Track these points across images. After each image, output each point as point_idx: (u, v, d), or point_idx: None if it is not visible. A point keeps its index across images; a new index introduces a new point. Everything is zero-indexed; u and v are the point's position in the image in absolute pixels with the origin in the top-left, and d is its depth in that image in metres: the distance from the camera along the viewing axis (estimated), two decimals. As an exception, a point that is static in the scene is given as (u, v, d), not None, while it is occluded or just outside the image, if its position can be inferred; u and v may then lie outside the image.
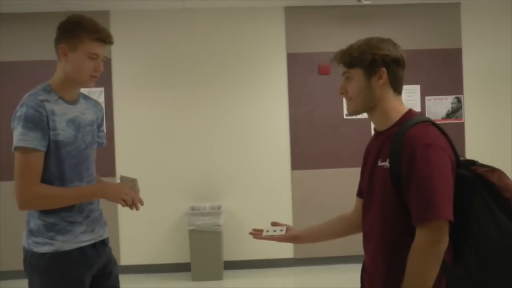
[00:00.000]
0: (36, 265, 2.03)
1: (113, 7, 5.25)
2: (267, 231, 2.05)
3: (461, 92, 5.55)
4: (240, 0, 5.24)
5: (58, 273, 2.03)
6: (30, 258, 2.05)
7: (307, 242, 2.07)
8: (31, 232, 2.05)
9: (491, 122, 5.58)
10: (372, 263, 1.80)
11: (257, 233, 2.02)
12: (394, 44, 1.77)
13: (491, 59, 5.60)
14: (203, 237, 5.01)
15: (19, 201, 1.98)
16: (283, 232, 2.04)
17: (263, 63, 5.49)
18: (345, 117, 5.43)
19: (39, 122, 1.96)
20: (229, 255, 5.36)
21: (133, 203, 2.10)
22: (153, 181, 5.14)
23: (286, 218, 5.28)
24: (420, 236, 1.59)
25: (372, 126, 1.87)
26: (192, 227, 5.01)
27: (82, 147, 2.13)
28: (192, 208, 5.18)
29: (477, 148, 5.46)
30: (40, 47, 5.27)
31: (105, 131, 2.42)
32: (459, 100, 5.53)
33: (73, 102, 2.13)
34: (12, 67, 5.28)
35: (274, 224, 2.08)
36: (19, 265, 6.10)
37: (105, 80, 5.19)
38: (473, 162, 1.70)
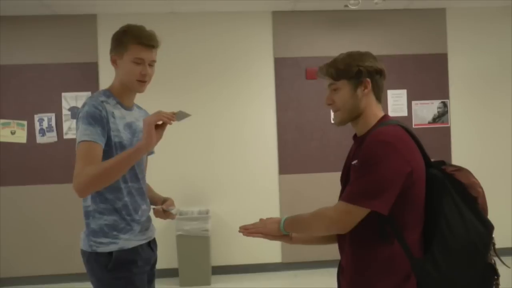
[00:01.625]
0: (104, 264, 2.10)
1: (100, 10, 5.21)
2: None
3: (447, 97, 5.60)
4: (228, 4, 5.25)
5: (127, 269, 2.12)
6: (96, 258, 2.11)
7: (298, 243, 2.13)
8: (94, 233, 2.12)
9: (477, 126, 5.64)
10: (346, 261, 1.90)
11: (246, 230, 1.99)
12: (374, 57, 1.90)
13: (477, 64, 5.66)
14: (191, 242, 4.99)
15: (75, 185, 1.96)
16: None
17: (251, 68, 5.49)
18: (332, 121, 5.45)
19: (99, 119, 2.06)
20: (217, 260, 5.34)
21: (169, 117, 2.14)
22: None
23: (274, 222, 5.27)
24: (337, 209, 1.76)
25: None
26: (179, 232, 4.98)
27: None
28: (180, 213, 5.16)
29: (463, 152, 5.52)
30: (26, 50, 5.24)
31: None
32: (445, 105, 5.58)
33: (129, 108, 2.26)
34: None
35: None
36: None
37: (92, 84, 5.15)
38: (443, 162, 1.83)
